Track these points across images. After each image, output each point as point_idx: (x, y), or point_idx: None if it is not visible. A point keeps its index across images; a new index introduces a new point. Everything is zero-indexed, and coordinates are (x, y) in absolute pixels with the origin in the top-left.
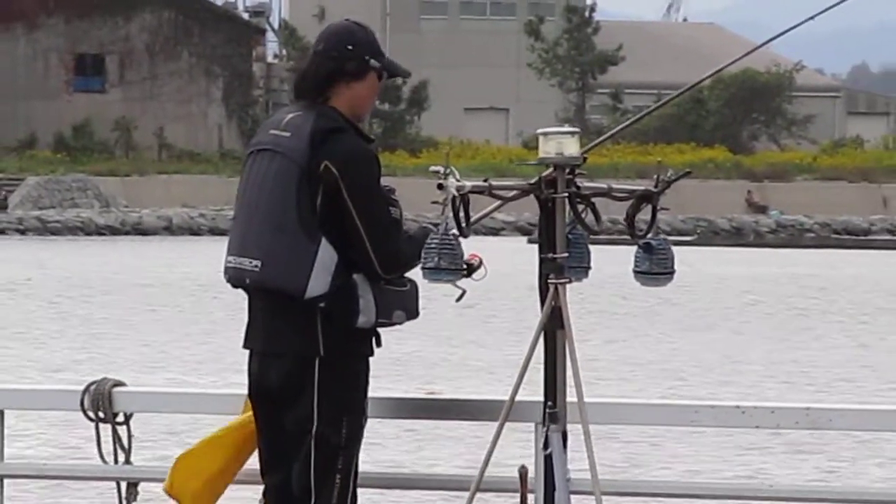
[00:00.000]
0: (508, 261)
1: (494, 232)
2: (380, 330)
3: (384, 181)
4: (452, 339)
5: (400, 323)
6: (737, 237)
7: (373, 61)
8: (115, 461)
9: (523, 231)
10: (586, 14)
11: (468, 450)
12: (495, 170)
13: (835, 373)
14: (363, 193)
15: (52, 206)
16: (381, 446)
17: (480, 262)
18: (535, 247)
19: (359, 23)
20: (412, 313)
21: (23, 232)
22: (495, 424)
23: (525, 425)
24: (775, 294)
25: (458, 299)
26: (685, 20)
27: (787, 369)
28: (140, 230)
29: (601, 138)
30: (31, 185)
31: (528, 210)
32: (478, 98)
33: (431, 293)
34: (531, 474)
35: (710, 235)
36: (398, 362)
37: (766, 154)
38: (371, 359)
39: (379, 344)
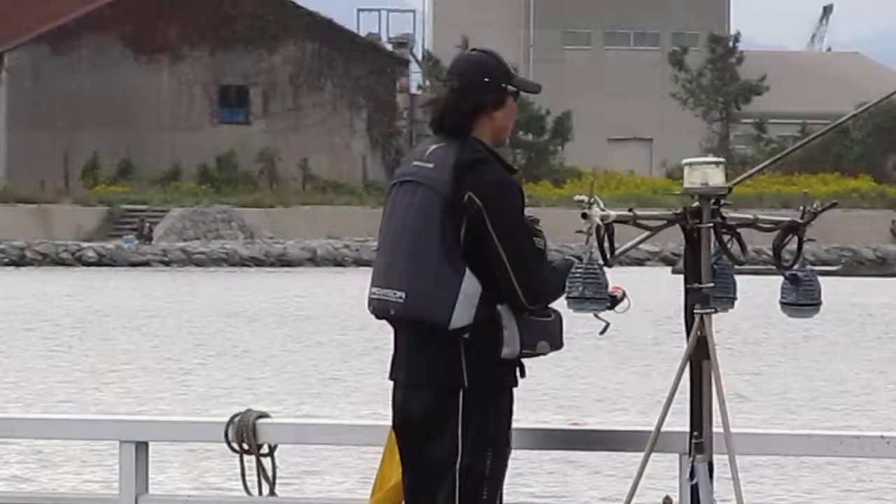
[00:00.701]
0: (652, 291)
1: (639, 262)
2: (524, 360)
3: (528, 212)
4: (594, 370)
5: (544, 353)
6: (882, 267)
7: (509, 87)
8: (260, 493)
9: (667, 261)
10: (730, 44)
11: (608, 482)
12: (639, 200)
13: None
14: (507, 224)
15: (197, 237)
16: (522, 476)
17: (624, 295)
18: (680, 277)
19: (485, 50)
20: (556, 344)
21: (167, 263)
22: (638, 455)
23: (664, 456)
24: None
25: (602, 332)
26: (829, 49)
27: None
28: (284, 261)
29: (750, 172)
30: (176, 217)
31: (673, 240)
32: (621, 128)
33: (574, 323)
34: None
35: (855, 265)
36: (539, 393)
37: None
38: (515, 390)
39: (523, 374)
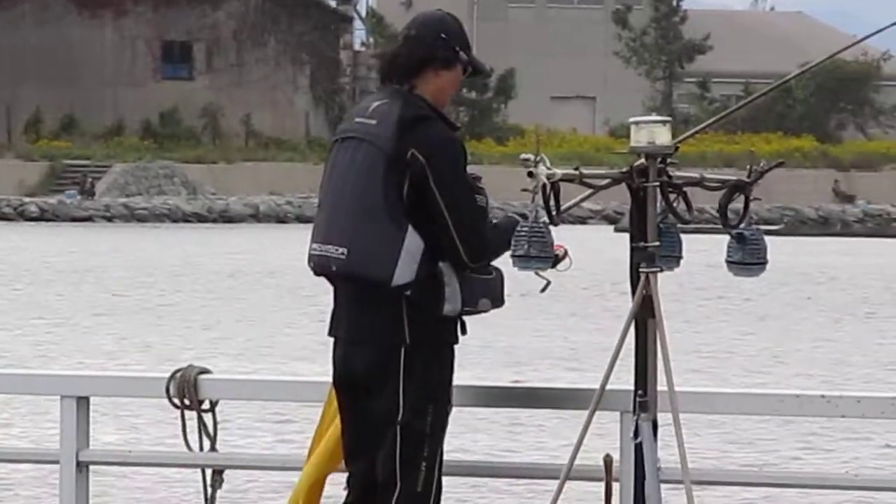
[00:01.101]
0: (595, 249)
1: (582, 220)
2: (465, 318)
3: (470, 169)
4: (537, 329)
5: (485, 311)
6: (823, 227)
7: (462, 53)
8: (201, 448)
9: (610, 220)
10: (674, 3)
11: (552, 440)
12: (582, 158)
13: None
14: (450, 181)
15: (139, 193)
16: (466, 433)
17: (566, 253)
18: (622, 235)
19: (451, 14)
20: (498, 301)
21: (109, 219)
22: (582, 413)
23: (607, 415)
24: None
25: (543, 290)
26: (772, 9)
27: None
28: (227, 217)
29: (694, 129)
30: (119, 173)
31: (616, 199)
32: (565, 86)
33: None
34: (616, 463)
35: (797, 225)
36: (480, 350)
37: (853, 143)
38: (456, 347)
39: (464, 332)
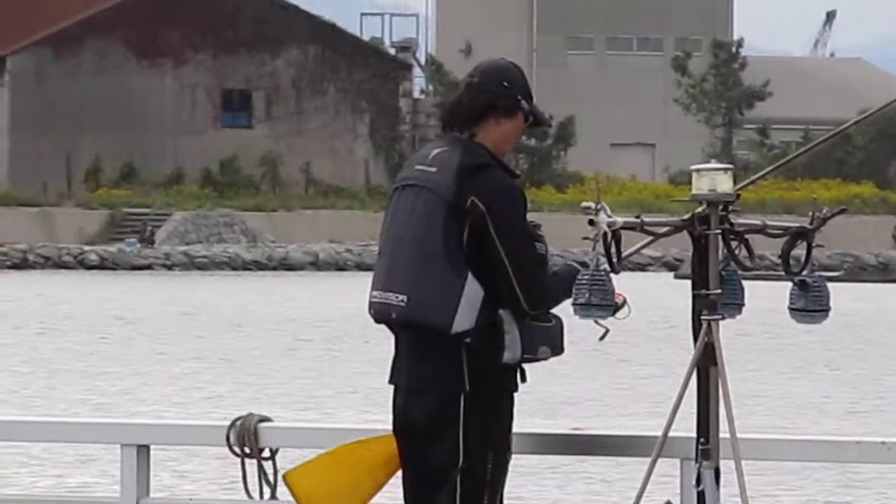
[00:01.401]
0: (653, 296)
1: (641, 268)
2: (525, 366)
3: (530, 217)
4: (592, 376)
5: (545, 358)
6: (884, 273)
7: (524, 102)
8: (261, 496)
9: (670, 266)
10: (733, 49)
11: (606, 488)
12: (641, 205)
13: None
14: (509, 229)
15: (199, 241)
16: (524, 482)
17: (624, 301)
18: (681, 282)
19: (514, 63)
20: (557, 349)
21: (169, 267)
22: (640, 461)
23: (664, 461)
24: None
25: (602, 338)
26: (832, 55)
27: None
28: (286, 265)
29: (755, 176)
30: (178, 221)
31: (676, 246)
32: (624, 133)
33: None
34: None
35: (857, 271)
36: (541, 399)
37: None
38: (516, 394)
39: (524, 380)
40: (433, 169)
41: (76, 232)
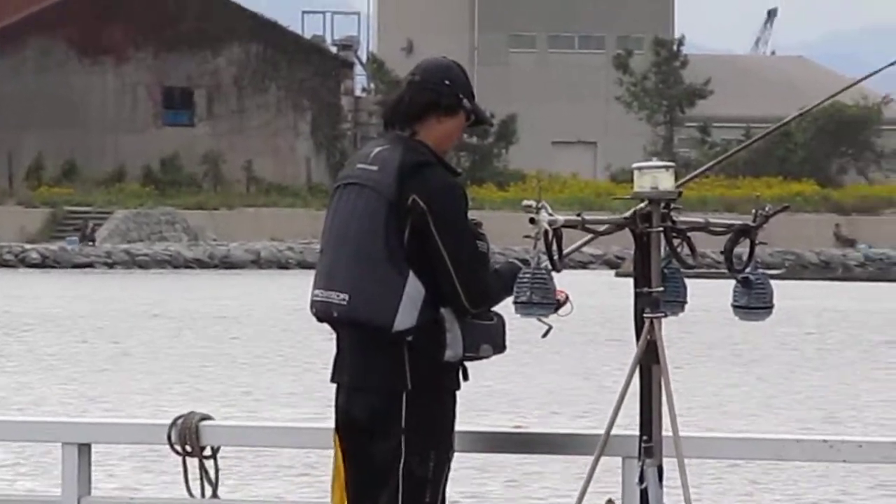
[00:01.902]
0: (594, 294)
1: (583, 265)
2: (466, 364)
3: (472, 215)
4: (536, 374)
5: (487, 357)
6: (825, 271)
7: (465, 101)
8: (203, 495)
9: (611, 265)
10: (674, 47)
11: (551, 485)
12: (583, 203)
13: None
14: (451, 227)
15: (141, 239)
16: (469, 479)
17: (567, 299)
18: (623, 280)
19: (456, 62)
20: (499, 347)
21: (111, 265)
22: (582, 459)
23: (606, 460)
24: (864, 326)
25: (545, 335)
26: (773, 53)
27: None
28: (228, 263)
29: (696, 172)
30: (120, 219)
31: (617, 244)
32: (566, 131)
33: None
34: None
35: (799, 269)
36: (482, 396)
37: (854, 187)
38: (458, 393)
39: (466, 378)
40: (374, 167)
41: (17, 230)
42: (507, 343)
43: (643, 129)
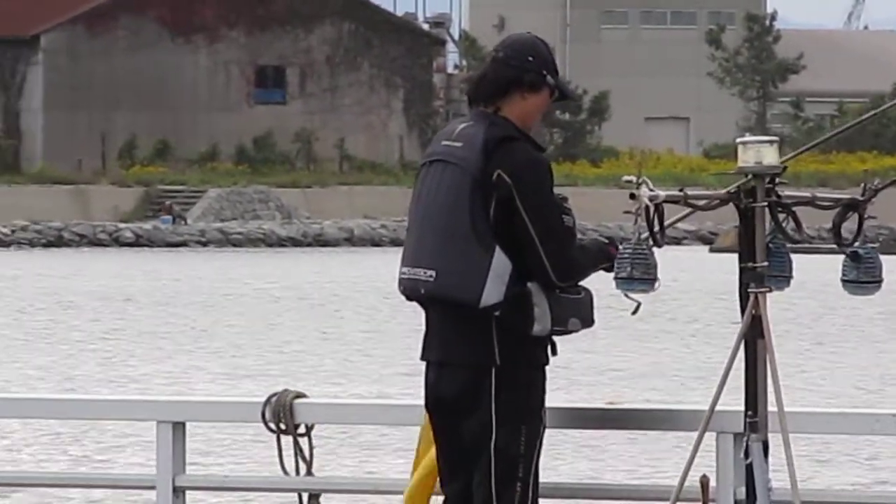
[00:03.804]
0: (692, 270)
1: (676, 241)
2: (555, 338)
3: (564, 191)
4: (635, 348)
5: (576, 331)
6: None
7: (549, 77)
8: (297, 473)
9: (704, 240)
10: (767, 23)
11: (641, 462)
12: (677, 179)
13: None
14: (537, 202)
15: (234, 217)
16: (560, 455)
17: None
18: (717, 256)
19: (540, 38)
20: (587, 321)
21: (204, 244)
22: (678, 434)
23: (689, 435)
24: None
25: (634, 312)
26: (866, 28)
27: None
28: (321, 241)
29: (800, 150)
30: (213, 198)
31: (711, 219)
32: (658, 107)
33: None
34: (712, 483)
35: (892, 244)
36: (577, 371)
37: None
38: (547, 367)
39: (555, 352)
40: (459, 144)
41: (111, 209)
42: (595, 317)
43: (736, 105)
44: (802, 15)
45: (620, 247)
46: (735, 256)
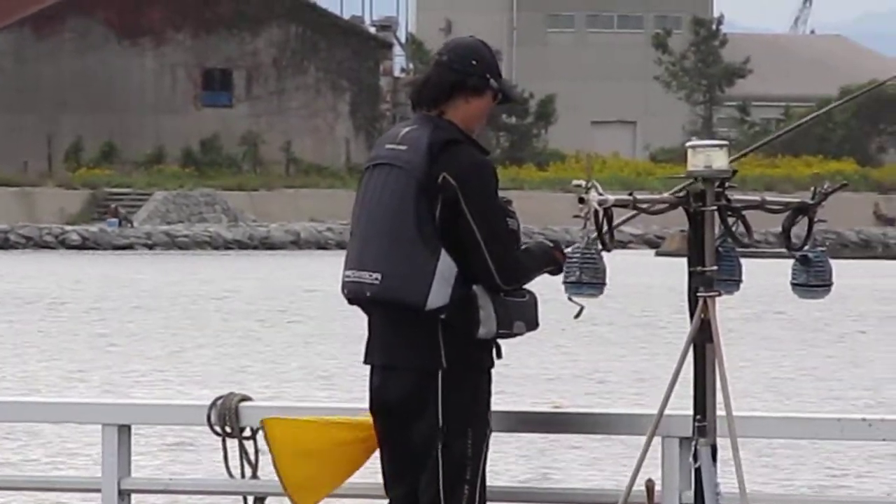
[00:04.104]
0: (638, 274)
1: (622, 244)
2: (500, 342)
3: (505, 194)
4: (576, 353)
5: (520, 334)
6: (865, 250)
7: (493, 81)
8: (242, 475)
9: (651, 244)
10: (714, 27)
11: (586, 466)
12: (624, 183)
13: None
14: (482, 204)
15: (181, 220)
16: (505, 460)
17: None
18: (663, 259)
19: (483, 41)
20: (532, 324)
21: (150, 247)
22: (620, 439)
23: (632, 439)
24: None
25: (577, 315)
26: (812, 32)
27: None
28: (268, 244)
29: (744, 151)
30: (159, 200)
31: (657, 223)
32: (605, 111)
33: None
34: (658, 487)
35: (838, 248)
36: (520, 375)
37: (894, 166)
38: (492, 370)
39: (500, 355)
40: (403, 147)
41: (57, 212)
42: (540, 321)
43: (682, 109)
44: (749, 19)
45: (568, 250)
46: (681, 260)
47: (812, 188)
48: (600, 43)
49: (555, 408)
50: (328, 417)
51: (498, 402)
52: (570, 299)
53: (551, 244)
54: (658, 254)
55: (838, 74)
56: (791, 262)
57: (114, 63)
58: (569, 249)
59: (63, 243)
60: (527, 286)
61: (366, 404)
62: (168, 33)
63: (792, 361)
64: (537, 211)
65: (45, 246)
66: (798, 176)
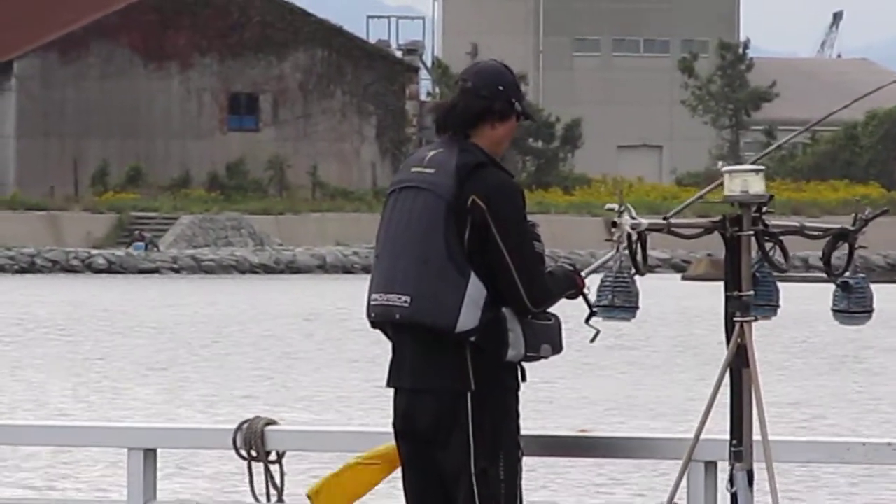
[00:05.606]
0: (665, 299)
1: (650, 269)
2: (524, 364)
3: (531, 218)
4: (606, 378)
5: (546, 357)
6: (892, 273)
7: (517, 104)
8: (268, 499)
9: (677, 268)
10: (740, 51)
11: (616, 488)
12: (650, 207)
13: None
14: (511, 227)
15: (207, 244)
16: (539, 485)
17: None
18: (690, 284)
19: (504, 64)
20: (557, 347)
21: (177, 271)
22: (653, 463)
23: (663, 463)
24: None
25: (593, 340)
26: (839, 56)
27: None
28: (294, 268)
29: (763, 153)
30: (185, 224)
31: (683, 247)
32: (631, 135)
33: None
34: None
35: (866, 272)
36: (545, 399)
37: None
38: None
39: (524, 378)
40: (431, 170)
41: (83, 236)
42: (563, 344)
43: (708, 133)
44: (775, 43)
45: (602, 275)
46: (707, 284)
47: (853, 214)
48: (626, 67)
49: (581, 432)
50: (359, 458)
51: (535, 427)
52: (586, 322)
53: (571, 268)
54: (684, 278)
55: (865, 98)
56: (831, 287)
57: (140, 87)
58: (601, 274)
59: (89, 267)
60: (550, 309)
61: (389, 427)
62: (194, 57)
63: (816, 384)
64: (563, 235)
65: (72, 270)
66: (824, 200)
